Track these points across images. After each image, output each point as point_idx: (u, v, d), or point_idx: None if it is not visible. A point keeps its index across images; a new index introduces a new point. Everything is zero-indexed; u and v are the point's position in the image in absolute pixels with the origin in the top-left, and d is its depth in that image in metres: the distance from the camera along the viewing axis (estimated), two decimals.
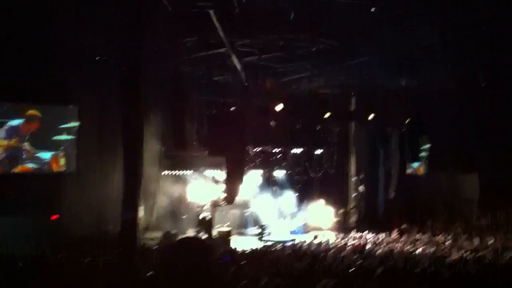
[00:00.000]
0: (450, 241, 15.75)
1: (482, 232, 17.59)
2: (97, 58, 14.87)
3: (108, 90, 16.23)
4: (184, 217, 18.45)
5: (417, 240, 16.35)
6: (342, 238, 17.56)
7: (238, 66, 15.34)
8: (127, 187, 10.86)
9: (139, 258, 10.45)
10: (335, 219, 20.52)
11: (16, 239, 13.43)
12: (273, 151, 20.08)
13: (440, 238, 16.67)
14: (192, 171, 18.94)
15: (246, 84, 17.23)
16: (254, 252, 13.48)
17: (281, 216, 20.20)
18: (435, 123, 23.51)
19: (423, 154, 24.95)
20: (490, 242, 15.33)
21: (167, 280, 2.08)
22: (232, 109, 17.97)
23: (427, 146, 25.03)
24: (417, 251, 13.46)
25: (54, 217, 15.31)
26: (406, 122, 21.63)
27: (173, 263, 2.10)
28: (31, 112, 16.24)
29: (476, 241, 15.57)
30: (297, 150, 20.72)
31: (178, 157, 18.26)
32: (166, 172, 18.04)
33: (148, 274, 7.19)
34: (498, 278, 8.44)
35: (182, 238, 2.32)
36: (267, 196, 20.14)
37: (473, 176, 24.47)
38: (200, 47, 14.58)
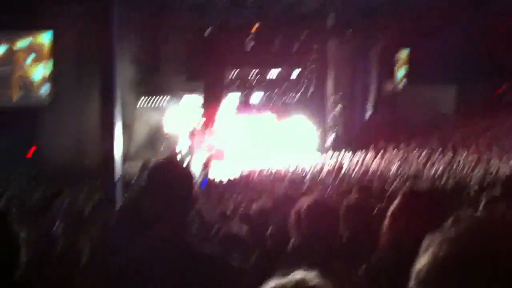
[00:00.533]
0: (425, 157, 16.08)
1: (458, 146, 17.95)
2: None
3: (84, 13, 15.65)
4: (162, 146, 18.42)
5: (393, 157, 16.63)
6: (320, 159, 17.79)
7: None
8: (104, 115, 10.78)
9: (120, 188, 10.54)
10: (312, 139, 20.65)
11: None
12: (251, 73, 19.80)
13: (415, 154, 16.98)
14: (169, 97, 18.72)
15: (223, 3, 16.75)
16: (233, 177, 13.67)
17: (259, 139, 20.24)
18: (415, 35, 23.31)
19: (402, 68, 24.92)
20: (464, 155, 15.70)
21: (151, 200, 2.12)
22: (209, 30, 17.56)
23: (407, 60, 24.96)
24: (392, 169, 13.75)
25: (32, 149, 15.21)
26: (385, 36, 21.40)
27: (155, 184, 2.13)
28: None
29: (450, 155, 15.92)
30: (275, 71, 20.47)
31: (155, 83, 17.97)
32: (142, 98, 17.75)
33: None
34: (470, 192, 8.66)
35: (161, 161, 2.33)
36: (245, 119, 20.09)
37: (452, 89, 24.69)
38: None
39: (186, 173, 2.15)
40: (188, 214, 2.15)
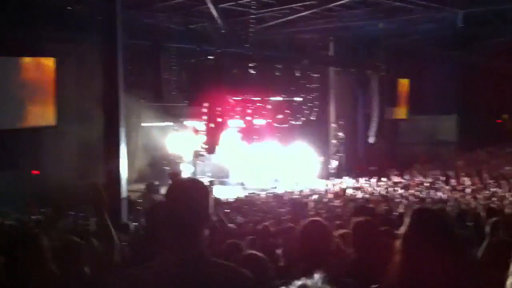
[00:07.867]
0: (428, 183, 16.10)
1: (459, 173, 17.97)
2: (71, 7, 14.37)
3: (85, 40, 15.86)
4: (166, 168, 18.40)
5: (397, 183, 16.66)
6: (323, 184, 17.79)
7: (215, 13, 15.04)
8: (109, 138, 10.85)
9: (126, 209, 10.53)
10: (316, 166, 20.66)
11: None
12: (253, 99, 19.87)
13: (419, 180, 17.01)
14: (172, 122, 18.80)
15: (223, 31, 16.95)
16: (238, 200, 13.65)
17: (262, 164, 20.25)
18: (415, 66, 23.58)
19: (403, 97, 25.08)
20: (467, 183, 15.72)
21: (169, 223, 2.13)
22: (210, 57, 17.72)
23: (408, 89, 25.15)
24: (397, 194, 13.77)
25: (35, 172, 15.20)
26: (386, 66, 21.59)
27: (174, 203, 2.15)
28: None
29: (453, 182, 15.95)
30: (277, 98, 20.55)
31: (158, 108, 18.07)
32: (146, 123, 17.84)
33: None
34: (475, 217, 8.65)
35: (180, 179, 2.37)
36: (247, 145, 20.12)
37: (452, 118, 24.86)
38: None
39: (206, 191, 2.18)
40: (204, 231, 2.16)
